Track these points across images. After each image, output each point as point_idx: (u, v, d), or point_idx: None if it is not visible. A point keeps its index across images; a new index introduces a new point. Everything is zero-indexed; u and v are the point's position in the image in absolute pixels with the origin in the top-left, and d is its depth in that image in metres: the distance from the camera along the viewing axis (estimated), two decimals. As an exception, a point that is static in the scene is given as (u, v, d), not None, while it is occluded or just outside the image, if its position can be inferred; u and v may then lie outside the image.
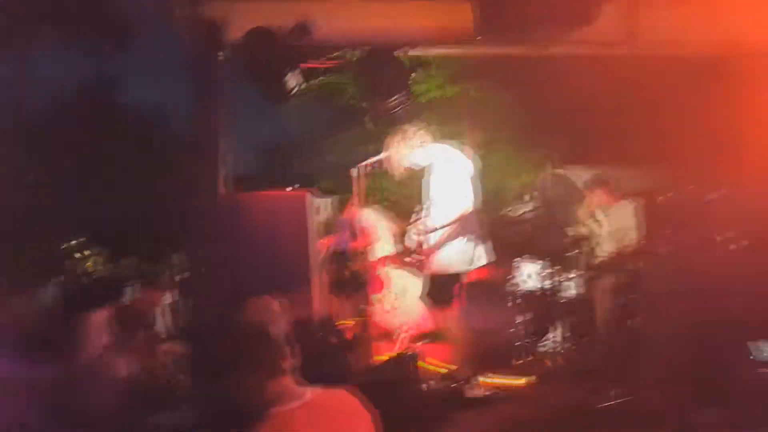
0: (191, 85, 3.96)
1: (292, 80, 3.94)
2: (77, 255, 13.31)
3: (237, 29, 3.94)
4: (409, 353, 4.15)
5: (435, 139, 4.53)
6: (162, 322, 5.49)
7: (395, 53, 4.31)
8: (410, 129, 4.42)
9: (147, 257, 9.80)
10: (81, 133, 14.48)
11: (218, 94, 4.04)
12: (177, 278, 6.48)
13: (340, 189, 9.32)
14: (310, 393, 1.45)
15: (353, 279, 4.51)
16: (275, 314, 1.50)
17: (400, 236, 5.43)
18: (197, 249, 3.91)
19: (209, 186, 3.91)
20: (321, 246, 5.01)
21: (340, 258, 5.43)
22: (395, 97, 4.36)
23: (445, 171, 4.29)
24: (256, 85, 4.02)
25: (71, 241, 14.54)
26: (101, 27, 21.79)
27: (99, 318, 3.36)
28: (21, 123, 12.67)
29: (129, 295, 5.53)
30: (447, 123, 7.82)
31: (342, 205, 8.50)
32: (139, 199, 14.05)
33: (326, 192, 7.36)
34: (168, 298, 5.94)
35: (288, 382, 1.44)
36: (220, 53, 3.95)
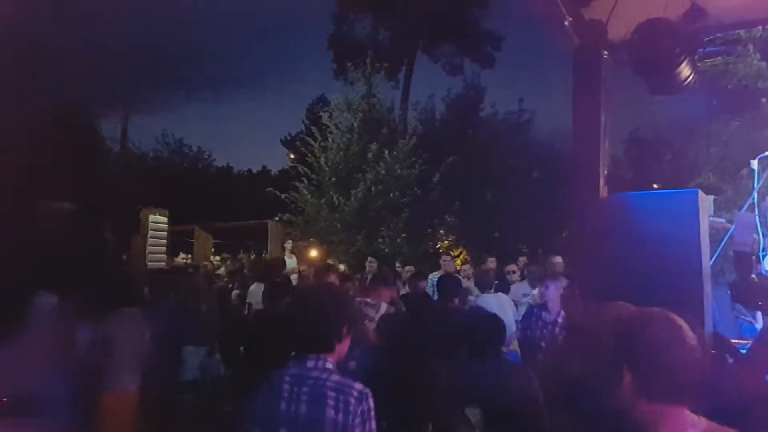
0: (576, 87, 4.02)
1: (687, 69, 3.62)
2: (444, 251, 15.25)
3: (619, 27, 3.87)
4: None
5: None
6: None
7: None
8: None
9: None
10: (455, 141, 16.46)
11: (601, 95, 4.02)
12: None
13: (727, 184, 8.12)
14: (706, 424, 1.41)
15: (760, 287, 3.81)
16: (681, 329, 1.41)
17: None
18: (579, 254, 3.95)
19: (591, 186, 3.92)
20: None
21: (744, 260, 4.67)
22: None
23: None
24: (648, 79, 3.83)
25: (443, 239, 16.82)
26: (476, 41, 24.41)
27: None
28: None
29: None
30: None
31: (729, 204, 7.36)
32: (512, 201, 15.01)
33: (707, 189, 6.51)
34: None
35: (685, 409, 1.42)
36: (605, 52, 3.92)
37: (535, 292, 5.97)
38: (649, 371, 1.40)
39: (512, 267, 7.36)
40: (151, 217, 11.97)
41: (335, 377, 2.00)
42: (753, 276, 3.39)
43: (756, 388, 2.28)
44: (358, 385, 1.99)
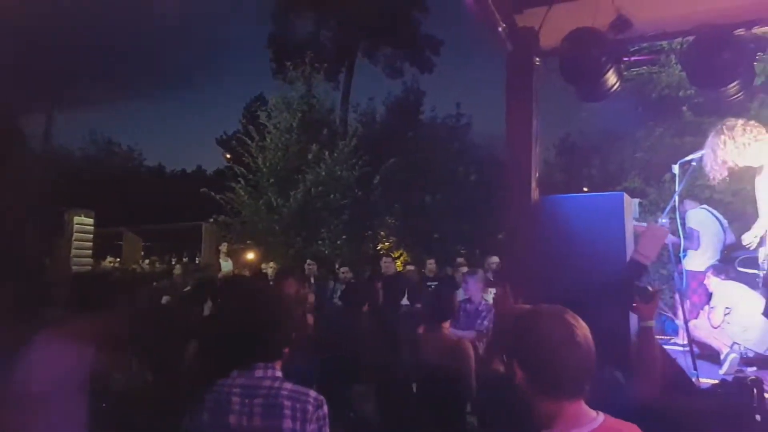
0: (509, 92, 4.13)
1: (613, 77, 3.80)
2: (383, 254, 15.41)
3: (550, 35, 4.01)
4: (750, 378, 3.55)
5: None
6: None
7: (736, 33, 3.77)
8: (739, 121, 3.83)
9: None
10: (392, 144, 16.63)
11: (533, 101, 4.15)
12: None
13: (652, 188, 8.60)
14: (603, 418, 1.42)
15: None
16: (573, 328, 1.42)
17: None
18: (513, 254, 4.06)
19: (524, 189, 4.04)
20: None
21: (635, 269, 4.92)
22: (734, 83, 3.81)
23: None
24: (576, 86, 3.99)
25: (383, 241, 16.97)
26: (411, 45, 24.71)
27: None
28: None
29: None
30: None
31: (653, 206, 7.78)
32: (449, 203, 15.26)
33: (633, 193, 6.89)
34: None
35: (582, 404, 1.43)
36: (537, 59, 4.06)
37: None
38: (535, 368, 1.41)
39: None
40: (77, 219, 11.35)
41: (288, 385, 1.92)
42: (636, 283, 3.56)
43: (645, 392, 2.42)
44: (313, 393, 1.93)
